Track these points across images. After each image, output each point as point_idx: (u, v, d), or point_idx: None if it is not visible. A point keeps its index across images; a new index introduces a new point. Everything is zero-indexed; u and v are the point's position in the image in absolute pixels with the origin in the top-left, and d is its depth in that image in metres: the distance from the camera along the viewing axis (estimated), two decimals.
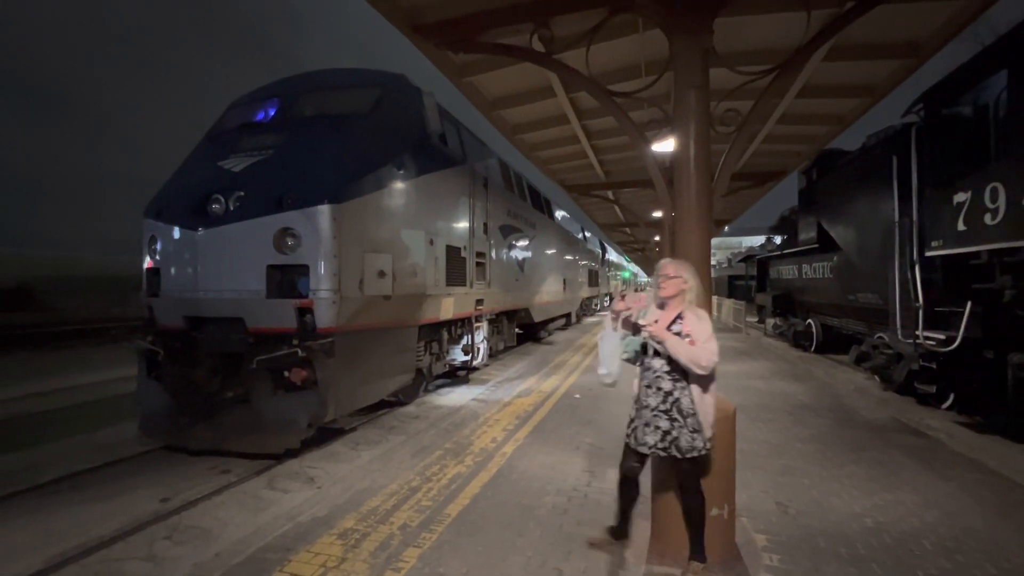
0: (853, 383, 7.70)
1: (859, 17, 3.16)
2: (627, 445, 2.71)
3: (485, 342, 8.24)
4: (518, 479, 3.92)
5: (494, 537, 3.01)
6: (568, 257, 16.32)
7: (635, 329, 2.62)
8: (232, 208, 4.75)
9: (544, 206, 13.75)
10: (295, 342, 4.46)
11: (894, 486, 3.77)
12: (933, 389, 5.75)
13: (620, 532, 2.89)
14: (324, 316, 4.52)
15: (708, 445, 2.51)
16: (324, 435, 5.13)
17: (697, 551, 2.57)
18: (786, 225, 12.07)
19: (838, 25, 3.16)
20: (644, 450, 2.57)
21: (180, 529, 3.47)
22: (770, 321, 14.34)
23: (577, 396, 6.79)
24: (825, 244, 8.95)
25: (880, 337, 7.01)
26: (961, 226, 4.78)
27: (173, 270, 4.98)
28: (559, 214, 15.34)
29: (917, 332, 5.64)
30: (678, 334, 2.48)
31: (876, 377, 7.43)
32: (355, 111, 5.52)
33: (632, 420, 2.68)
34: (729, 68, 3.18)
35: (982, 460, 4.35)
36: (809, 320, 11.20)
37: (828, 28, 3.15)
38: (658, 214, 11.35)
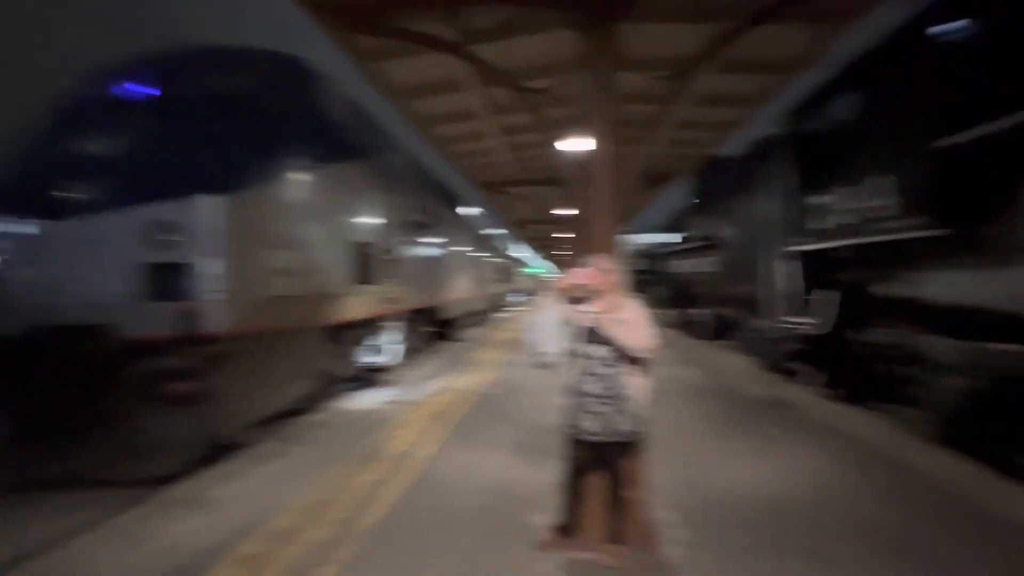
0: (737, 365, 8.61)
1: (741, 34, 3.50)
2: (569, 436, 2.73)
3: (397, 342, 7.96)
4: (438, 481, 3.82)
5: (417, 544, 2.90)
6: (480, 254, 16.38)
7: (575, 318, 2.66)
8: (93, 197, 4.06)
9: (455, 202, 13.62)
10: (176, 350, 3.93)
11: (774, 455, 4.25)
12: (798, 367, 6.62)
13: (568, 528, 2.85)
14: (211, 320, 4.03)
15: (641, 428, 2.63)
16: (217, 452, 4.61)
17: (619, 535, 2.67)
18: (681, 223, 13.15)
19: (724, 40, 3.47)
20: (585, 437, 2.60)
21: None
22: (668, 312, 15.56)
23: (494, 392, 6.81)
24: (714, 241, 9.90)
25: (759, 323, 7.91)
26: (819, 225, 5.54)
27: (12, 271, 4.15)
28: (470, 211, 15.32)
29: (785, 318, 6.43)
30: (616, 322, 2.56)
31: (756, 359, 8.37)
32: (245, 92, 4.98)
33: (570, 410, 2.69)
34: (635, 71, 3.35)
35: (837, 425, 5.07)
36: (702, 310, 12.34)
37: (717, 42, 3.45)
38: (570, 211, 11.79)
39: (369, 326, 7.23)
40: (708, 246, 10.18)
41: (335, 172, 5.92)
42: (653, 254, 18.51)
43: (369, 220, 6.92)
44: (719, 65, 4.59)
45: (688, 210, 11.75)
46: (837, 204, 5.18)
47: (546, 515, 3.02)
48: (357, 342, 7.02)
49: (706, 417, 5.46)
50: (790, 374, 7.09)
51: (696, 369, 8.32)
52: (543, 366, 2.77)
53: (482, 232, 17.65)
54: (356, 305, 6.35)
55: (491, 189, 9.55)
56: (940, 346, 4.29)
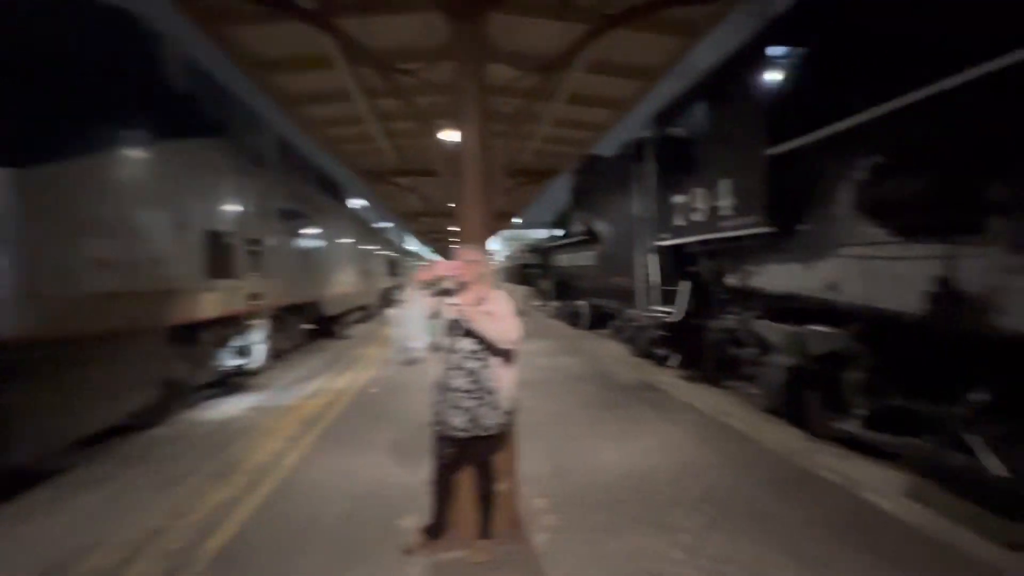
0: (613, 352, 9.23)
1: (600, 36, 3.65)
2: (436, 433, 2.63)
3: (264, 342, 7.22)
4: (303, 492, 3.50)
5: (270, 565, 2.61)
6: (364, 246, 15.58)
7: (442, 311, 2.57)
8: None
9: (336, 191, 12.75)
10: None
11: (640, 434, 4.58)
12: (663, 352, 7.28)
13: (438, 529, 2.75)
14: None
15: (506, 419, 2.61)
16: (18, 483, 3.75)
17: (486, 529, 2.65)
18: (564, 219, 13.76)
19: (585, 40, 3.59)
20: (453, 433, 2.52)
21: None
22: (553, 304, 16.21)
23: (374, 391, 6.49)
24: (591, 236, 10.47)
25: (632, 313, 8.54)
26: (678, 221, 6.10)
27: None
28: (354, 202, 14.48)
29: (652, 307, 7.02)
30: (483, 314, 2.52)
31: (630, 346, 9.05)
32: (52, 46, 4.06)
33: (436, 406, 2.60)
34: (506, 64, 3.33)
35: (693, 403, 5.64)
36: (583, 302, 13.03)
37: (579, 42, 3.57)
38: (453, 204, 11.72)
39: (230, 325, 6.46)
40: (587, 241, 10.75)
41: (179, 149, 5.14)
42: (540, 248, 19.17)
43: (226, 206, 6.14)
44: (590, 66, 4.80)
45: (569, 206, 12.31)
46: (692, 203, 5.75)
47: (418, 517, 2.91)
48: (215, 344, 6.22)
49: (582, 402, 5.74)
50: (659, 359, 7.77)
51: (576, 357, 8.76)
52: (410, 362, 2.65)
53: (372, 225, 16.82)
54: (209, 302, 5.61)
55: (378, 179, 9.06)
56: (770, 330, 4.96)
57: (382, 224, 18.43)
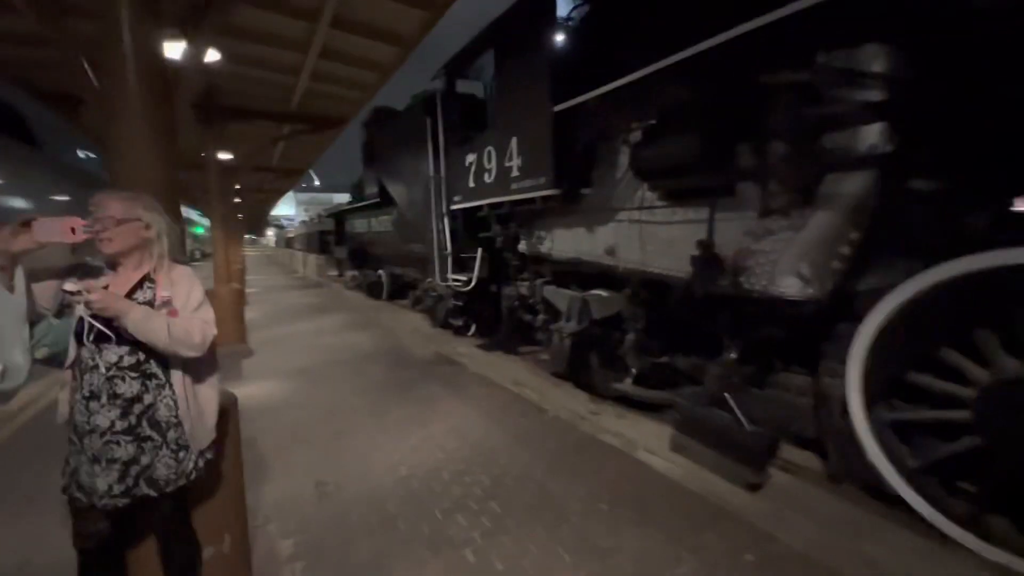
0: (411, 324, 8.60)
1: None
2: (70, 501, 1.57)
3: None
4: None
5: None
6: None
7: (64, 305, 1.55)
8: None
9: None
10: None
11: (429, 420, 4.06)
12: (460, 322, 6.94)
13: None
14: None
15: (203, 462, 1.70)
16: None
17: None
18: (360, 181, 12.33)
19: None
20: (97, 501, 1.49)
21: None
22: (348, 274, 14.74)
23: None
24: (386, 199, 9.47)
25: (429, 282, 7.97)
26: (471, 183, 5.64)
27: None
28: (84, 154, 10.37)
29: (448, 276, 6.55)
30: (149, 304, 1.51)
31: (427, 317, 8.52)
32: None
33: (69, 460, 1.58)
34: None
35: (488, 375, 5.39)
36: (380, 271, 11.99)
37: None
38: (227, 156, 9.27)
39: None
40: (382, 204, 9.73)
41: None
42: (336, 213, 17.18)
43: None
44: None
45: (363, 166, 11.00)
46: (485, 164, 5.33)
47: None
48: None
49: (366, 386, 4.98)
50: (457, 329, 7.42)
51: (368, 332, 7.87)
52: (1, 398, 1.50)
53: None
54: None
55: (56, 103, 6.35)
56: (556, 295, 4.92)
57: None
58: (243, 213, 28.26)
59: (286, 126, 7.54)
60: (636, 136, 3.60)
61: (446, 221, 6.49)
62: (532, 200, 4.48)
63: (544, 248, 4.93)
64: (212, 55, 4.88)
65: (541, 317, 5.29)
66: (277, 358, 6.35)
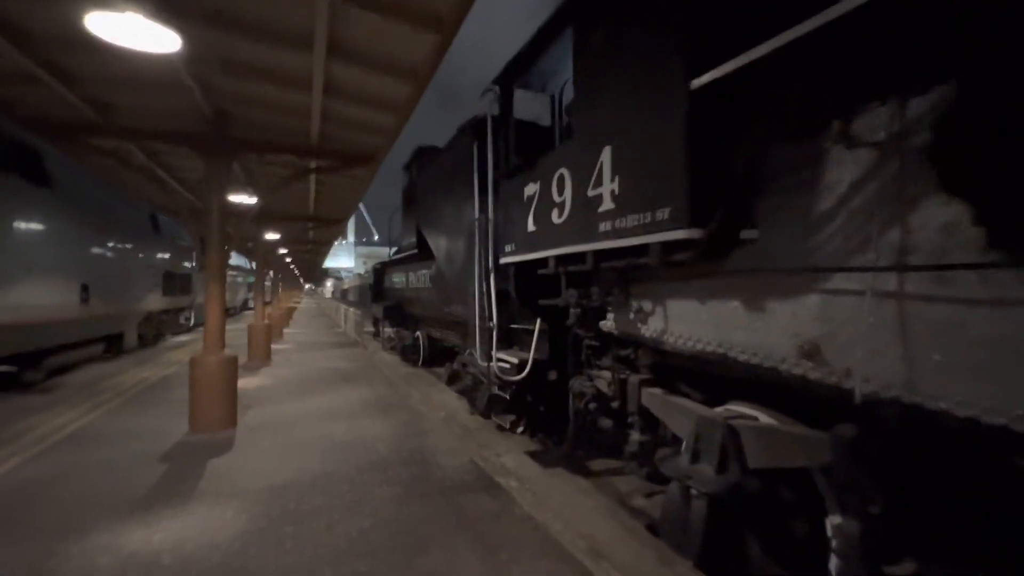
0: (445, 407, 6.72)
1: None
2: None
3: None
4: None
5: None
6: (107, 251, 10.66)
7: None
8: None
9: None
10: None
11: None
12: (508, 423, 4.99)
13: None
14: None
15: None
16: None
17: None
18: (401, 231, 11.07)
19: None
20: None
21: None
22: (385, 332, 13.29)
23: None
24: (424, 250, 7.97)
25: (469, 354, 6.17)
26: (531, 225, 3.89)
27: None
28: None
29: (492, 354, 4.71)
30: None
31: (465, 399, 6.65)
32: None
33: None
34: None
35: (547, 524, 3.38)
36: (417, 332, 10.40)
37: None
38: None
39: None
40: (420, 256, 8.24)
41: None
42: (381, 266, 16.09)
43: None
44: None
45: (402, 212, 9.72)
46: (553, 195, 3.60)
47: None
48: None
49: (359, 543, 3.09)
50: (502, 424, 5.48)
51: (390, 421, 6.05)
52: None
53: (133, 213, 11.94)
54: None
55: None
56: (668, 408, 2.93)
57: (154, 220, 13.53)
58: (294, 265, 28.32)
59: (311, 162, 6.32)
60: (900, 118, 1.73)
61: (492, 280, 4.73)
62: (640, 250, 2.63)
63: (650, 330, 3.02)
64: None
65: (636, 437, 3.30)
66: (258, 460, 4.63)
